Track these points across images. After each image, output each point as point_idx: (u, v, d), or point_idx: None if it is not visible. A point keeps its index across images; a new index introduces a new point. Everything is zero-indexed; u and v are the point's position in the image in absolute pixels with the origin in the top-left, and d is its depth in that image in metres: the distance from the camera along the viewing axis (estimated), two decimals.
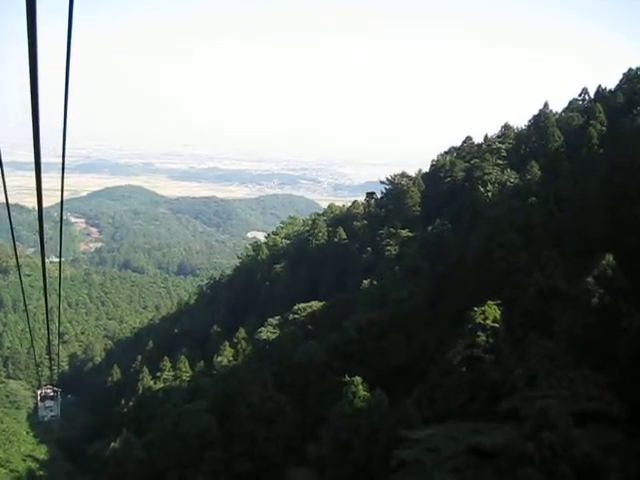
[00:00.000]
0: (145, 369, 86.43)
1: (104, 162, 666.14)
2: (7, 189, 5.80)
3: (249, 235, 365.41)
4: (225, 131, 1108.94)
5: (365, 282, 69.27)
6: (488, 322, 27.54)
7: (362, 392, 30.07)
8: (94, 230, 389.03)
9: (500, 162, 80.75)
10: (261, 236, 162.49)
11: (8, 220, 8.81)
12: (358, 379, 30.40)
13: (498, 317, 27.87)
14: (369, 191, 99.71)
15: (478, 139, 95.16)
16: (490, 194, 75.56)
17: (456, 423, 25.08)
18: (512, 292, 30.65)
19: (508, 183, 74.53)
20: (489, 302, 28.59)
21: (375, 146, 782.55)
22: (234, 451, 49.09)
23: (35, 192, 5.27)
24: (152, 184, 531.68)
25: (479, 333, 27.36)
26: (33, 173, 4.93)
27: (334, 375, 47.28)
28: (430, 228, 63.75)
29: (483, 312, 27.86)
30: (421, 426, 25.14)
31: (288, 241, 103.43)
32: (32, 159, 4.71)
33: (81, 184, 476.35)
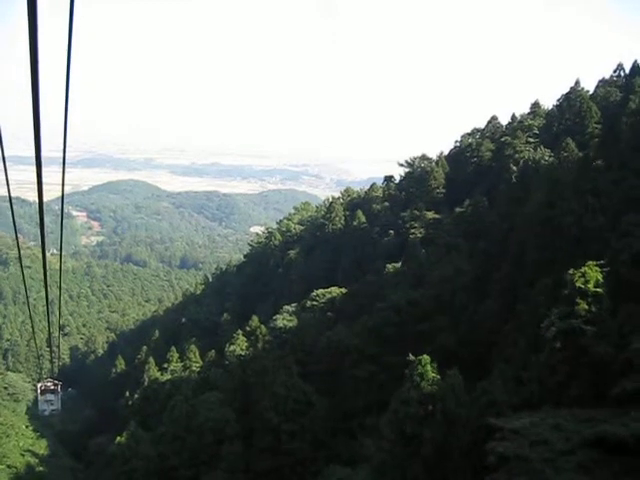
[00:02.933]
0: (151, 360, 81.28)
1: (105, 157, 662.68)
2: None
3: (252, 230, 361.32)
4: (226, 126, 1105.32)
5: (389, 266, 64.40)
6: (589, 287, 22.55)
7: (431, 374, 25.08)
8: (96, 224, 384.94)
9: (532, 140, 75.77)
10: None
11: (10, 212, 8.73)
12: (426, 358, 25.37)
13: (601, 281, 22.81)
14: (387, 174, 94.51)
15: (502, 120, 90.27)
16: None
17: (556, 410, 20.12)
18: (596, 259, 25.42)
19: (542, 161, 69.63)
20: (589, 263, 23.57)
21: (377, 141, 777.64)
22: (255, 446, 44.12)
23: (36, 186, 5.27)
24: (154, 179, 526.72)
25: (578, 300, 22.37)
26: (33, 167, 4.98)
27: (368, 361, 42.29)
28: (466, 205, 58.78)
29: (583, 275, 22.83)
30: (511, 414, 20.21)
31: (302, 227, 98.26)
32: (32, 153, 4.71)
33: (83, 179, 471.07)
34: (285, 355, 49.02)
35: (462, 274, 41.68)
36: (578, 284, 22.59)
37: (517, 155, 72.97)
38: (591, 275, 22.87)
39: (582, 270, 23.26)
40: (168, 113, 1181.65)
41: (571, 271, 23.57)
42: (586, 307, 22.39)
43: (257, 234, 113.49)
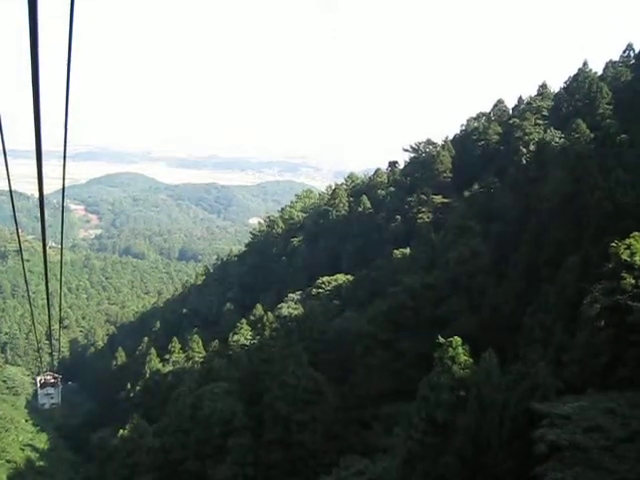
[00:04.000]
0: (153, 351, 79.54)
1: (103, 150, 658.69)
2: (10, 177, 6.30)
3: (250, 222, 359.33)
4: (224, 119, 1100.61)
5: (397, 252, 62.60)
6: (636, 260, 20.66)
7: (463, 357, 23.26)
8: (94, 217, 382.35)
9: (540, 122, 73.78)
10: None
11: (11, 206, 8.46)
12: (457, 339, 23.53)
13: None
14: (391, 160, 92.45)
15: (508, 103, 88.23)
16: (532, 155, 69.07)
17: (602, 393, 18.32)
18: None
19: (553, 143, 67.72)
20: (634, 234, 21.63)
21: (375, 133, 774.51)
22: (264, 438, 42.37)
23: (36, 178, 5.28)
24: (152, 172, 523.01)
25: (624, 274, 20.53)
26: (33, 162, 5.05)
27: (382, 348, 40.48)
28: (476, 187, 56.88)
29: (628, 247, 20.95)
30: (554, 399, 18.40)
31: (305, 214, 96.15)
32: (33, 147, 4.82)
33: (80, 172, 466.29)
34: (293, 343, 47.20)
35: (479, 256, 39.84)
36: (624, 257, 20.75)
37: (526, 137, 71.09)
38: (637, 247, 21.01)
39: (627, 242, 21.38)
40: (165, 106, 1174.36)
41: (615, 243, 21.71)
42: (632, 282, 20.55)
43: (259, 222, 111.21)
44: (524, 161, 69.19)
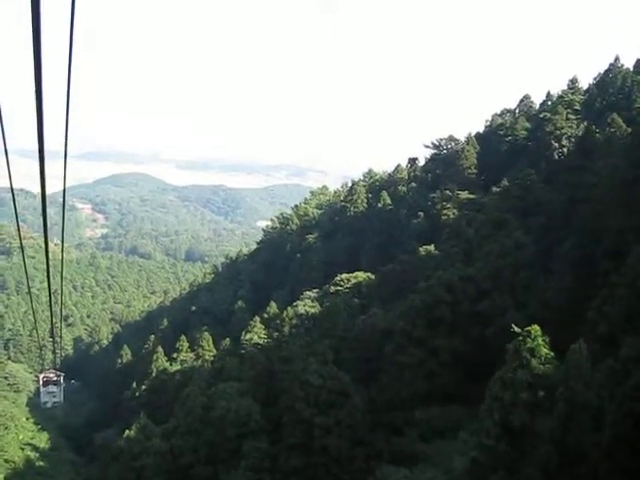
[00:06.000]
0: (160, 349, 76.17)
1: (110, 151, 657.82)
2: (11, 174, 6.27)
3: (258, 224, 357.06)
4: (229, 121, 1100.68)
5: (422, 248, 59.17)
6: None
7: (544, 350, 19.83)
8: (100, 216, 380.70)
9: (572, 117, 70.35)
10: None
11: (13, 204, 7.88)
12: (537, 328, 20.10)
13: None
14: (411, 157, 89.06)
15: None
16: (566, 150, 65.68)
17: None
18: None
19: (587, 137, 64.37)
20: None
21: (381, 137, 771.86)
22: (283, 442, 38.83)
23: (39, 176, 5.14)
24: (159, 173, 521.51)
25: None
26: (36, 161, 4.91)
27: (414, 346, 36.99)
28: (505, 182, 53.84)
29: None
30: None
31: (320, 211, 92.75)
32: (36, 146, 4.72)
33: (87, 172, 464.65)
34: (314, 341, 43.70)
35: (523, 248, 36.34)
36: None
37: (558, 132, 67.75)
38: None
39: None
40: (173, 108, 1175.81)
41: None
42: None
43: (272, 219, 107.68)
44: (556, 156, 65.98)
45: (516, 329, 21.27)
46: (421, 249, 59.54)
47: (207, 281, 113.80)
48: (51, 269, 9.91)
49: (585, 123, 67.57)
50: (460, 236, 48.63)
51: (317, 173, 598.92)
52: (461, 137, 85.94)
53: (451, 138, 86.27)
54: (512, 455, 18.40)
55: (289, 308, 56.42)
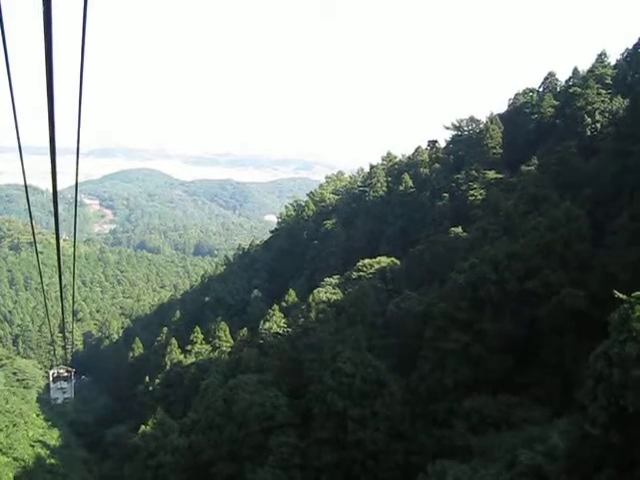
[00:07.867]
0: (173, 341, 73.24)
1: (118, 147, 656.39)
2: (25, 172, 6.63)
3: (266, 218, 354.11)
4: (235, 117, 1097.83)
5: (453, 229, 55.90)
6: None
7: None
8: (108, 212, 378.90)
9: (603, 91, 66.57)
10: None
11: (26, 200, 8.64)
12: None
13: None
14: (431, 139, 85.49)
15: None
16: (599, 125, 61.96)
17: None
18: None
19: (621, 112, 60.67)
20: None
21: (386, 131, 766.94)
22: (313, 437, 35.59)
23: (50, 172, 5.23)
24: (166, 168, 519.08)
25: None
26: (48, 158, 4.96)
27: (458, 330, 33.63)
28: (550, 153, 50.19)
29: None
30: None
31: (337, 196, 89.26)
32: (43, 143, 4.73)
33: (95, 168, 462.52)
34: (343, 327, 40.41)
35: (577, 220, 32.91)
36: None
37: (589, 107, 64.01)
38: None
39: None
40: (180, 104, 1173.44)
41: None
42: None
43: (286, 207, 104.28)
44: (589, 132, 62.34)
45: (620, 295, 17.91)
46: (453, 229, 56.39)
47: (219, 272, 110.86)
48: (61, 264, 9.75)
49: (619, 97, 64.00)
50: (496, 213, 45.18)
51: (324, 167, 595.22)
52: (482, 118, 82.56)
53: (472, 119, 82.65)
54: (624, 447, 15.10)
55: (314, 292, 53.10)
